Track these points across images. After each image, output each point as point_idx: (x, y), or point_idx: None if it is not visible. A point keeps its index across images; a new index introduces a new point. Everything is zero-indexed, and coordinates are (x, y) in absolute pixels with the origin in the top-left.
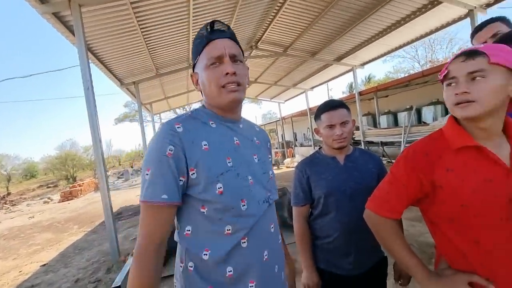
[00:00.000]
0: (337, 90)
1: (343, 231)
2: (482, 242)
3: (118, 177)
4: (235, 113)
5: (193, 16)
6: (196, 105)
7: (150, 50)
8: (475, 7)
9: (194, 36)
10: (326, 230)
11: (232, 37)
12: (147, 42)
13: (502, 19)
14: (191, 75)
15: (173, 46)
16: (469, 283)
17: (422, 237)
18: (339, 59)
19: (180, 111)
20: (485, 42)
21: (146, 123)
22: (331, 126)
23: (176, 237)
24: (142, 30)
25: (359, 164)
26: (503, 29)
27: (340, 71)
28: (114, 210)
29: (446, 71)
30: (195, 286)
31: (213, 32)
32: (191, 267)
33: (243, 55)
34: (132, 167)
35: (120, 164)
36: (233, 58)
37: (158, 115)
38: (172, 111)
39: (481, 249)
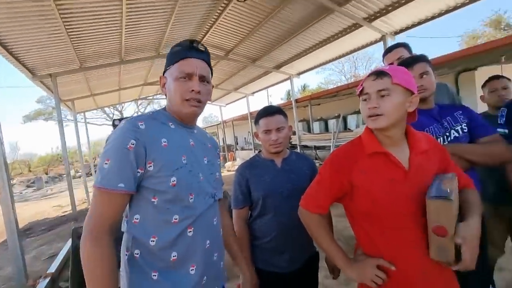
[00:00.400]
0: (276, 96)
1: (280, 230)
2: (388, 233)
3: (28, 186)
4: (192, 122)
5: (127, 10)
6: (129, 105)
7: (73, 39)
8: (387, 33)
9: (172, 45)
10: (264, 230)
11: (207, 59)
12: (69, 31)
13: (405, 45)
14: (160, 77)
15: (103, 38)
16: (377, 266)
17: (346, 231)
18: (278, 67)
19: (109, 111)
20: (392, 63)
21: (66, 123)
22: (267, 131)
23: (123, 227)
24: (63, 16)
25: (295, 166)
26: (405, 53)
27: (279, 79)
28: (21, 225)
29: (361, 88)
30: (141, 271)
31: (192, 49)
32: (137, 254)
33: (212, 74)
34: (47, 173)
35: (30, 171)
36: (202, 79)
37: (82, 113)
38: (100, 110)
39: (388, 238)
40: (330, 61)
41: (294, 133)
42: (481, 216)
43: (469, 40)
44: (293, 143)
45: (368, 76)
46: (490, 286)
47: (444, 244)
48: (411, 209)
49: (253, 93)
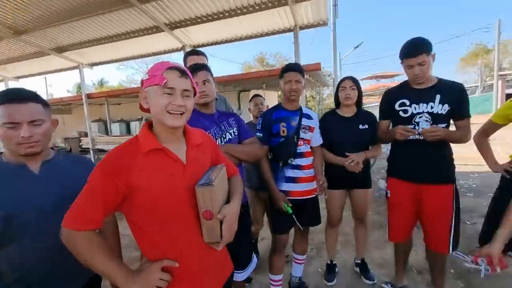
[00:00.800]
0: (60, 87)
1: (39, 260)
2: (170, 229)
3: None
4: None
5: None
6: None
7: None
8: (186, 44)
9: None
10: (8, 267)
11: None
12: None
13: (205, 56)
14: None
15: None
16: (162, 269)
17: None
18: (60, 50)
19: None
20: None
21: None
22: (14, 125)
23: None
24: None
25: (62, 171)
26: (205, 61)
27: (63, 66)
28: None
29: (165, 80)
30: None
31: None
32: None
33: None
34: None
35: None
36: None
37: None
38: None
39: (170, 235)
40: (130, 58)
41: (85, 135)
42: (241, 199)
43: (247, 69)
44: (84, 146)
45: (169, 69)
46: (254, 254)
47: (212, 226)
48: (189, 200)
49: (18, 77)
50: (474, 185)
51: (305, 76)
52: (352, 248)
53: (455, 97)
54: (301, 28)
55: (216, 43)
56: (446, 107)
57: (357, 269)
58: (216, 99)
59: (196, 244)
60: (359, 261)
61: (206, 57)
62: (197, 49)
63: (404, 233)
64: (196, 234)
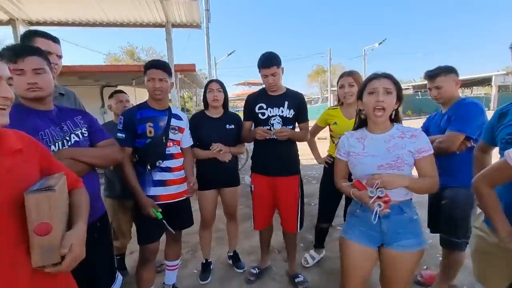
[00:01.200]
0: None
1: None
2: None
3: None
4: None
5: None
6: None
7: None
8: (18, 19)
9: None
10: None
11: None
12: None
13: (59, 42)
14: None
15: None
16: None
17: None
18: None
19: None
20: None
21: None
22: None
23: None
24: None
25: None
26: (59, 50)
27: None
28: None
29: None
30: None
31: None
32: None
33: None
34: None
35: None
36: None
37: None
38: None
39: None
40: None
41: None
42: (88, 216)
43: (113, 61)
44: None
45: None
46: (118, 272)
47: (48, 243)
48: (5, 223)
49: None
50: (317, 174)
51: (180, 76)
52: (226, 242)
53: (298, 105)
54: (174, 26)
55: (67, 24)
56: (292, 111)
57: (230, 261)
58: (63, 94)
59: (20, 276)
60: (231, 254)
61: (60, 46)
62: (50, 35)
63: (266, 221)
64: (20, 265)
